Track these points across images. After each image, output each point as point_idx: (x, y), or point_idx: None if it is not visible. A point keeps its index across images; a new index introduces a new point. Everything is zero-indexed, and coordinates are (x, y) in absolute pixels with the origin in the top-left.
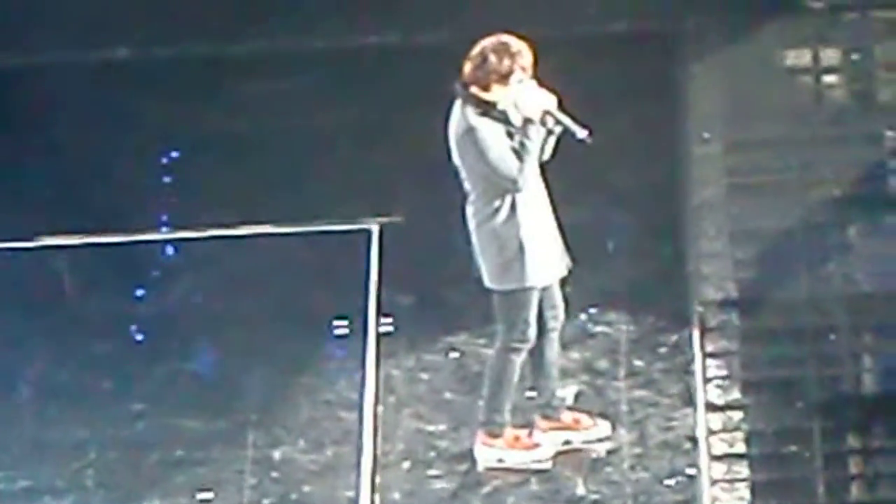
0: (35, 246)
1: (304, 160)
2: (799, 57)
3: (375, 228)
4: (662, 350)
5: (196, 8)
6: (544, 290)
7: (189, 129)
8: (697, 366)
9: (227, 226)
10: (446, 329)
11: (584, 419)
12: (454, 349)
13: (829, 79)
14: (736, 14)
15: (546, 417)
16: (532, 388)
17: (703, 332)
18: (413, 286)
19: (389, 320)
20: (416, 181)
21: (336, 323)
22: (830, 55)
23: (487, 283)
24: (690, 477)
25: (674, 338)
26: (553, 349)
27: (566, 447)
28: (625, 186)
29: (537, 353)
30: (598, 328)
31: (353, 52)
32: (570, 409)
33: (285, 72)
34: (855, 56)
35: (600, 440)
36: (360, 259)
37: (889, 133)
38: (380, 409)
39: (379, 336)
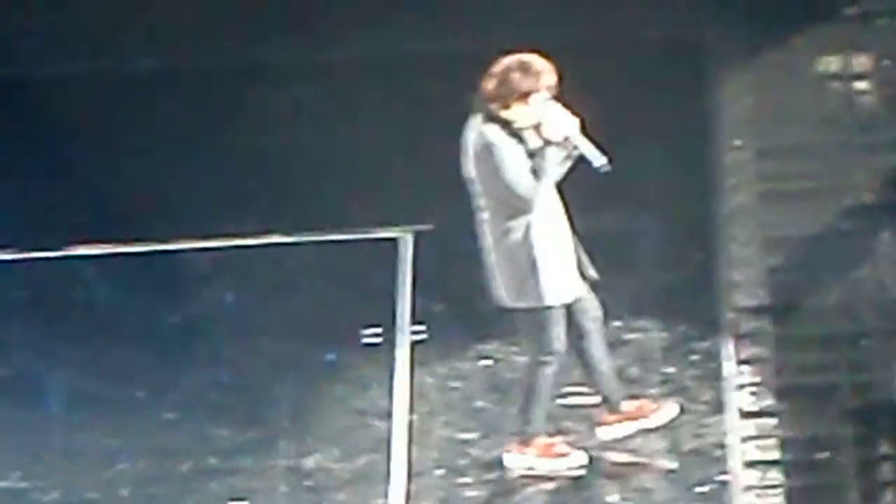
0: (65, 255)
1: (335, 168)
2: (830, 63)
3: (408, 236)
4: (695, 357)
5: (223, 18)
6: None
7: (218, 138)
8: (730, 372)
9: (259, 234)
10: (478, 337)
11: (647, 405)
12: (486, 357)
13: (861, 85)
14: (767, 20)
15: (611, 412)
16: (585, 388)
17: (736, 338)
18: (445, 294)
19: (422, 328)
20: (447, 189)
21: (368, 331)
22: (862, 61)
23: (505, 300)
24: (723, 483)
25: (706, 345)
26: (598, 347)
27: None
28: (656, 193)
29: (585, 354)
30: (631, 335)
31: (388, 60)
32: (630, 397)
33: (317, 80)
34: (886, 62)
35: (672, 420)
36: (392, 267)
37: None
38: (412, 417)
39: (412, 344)
